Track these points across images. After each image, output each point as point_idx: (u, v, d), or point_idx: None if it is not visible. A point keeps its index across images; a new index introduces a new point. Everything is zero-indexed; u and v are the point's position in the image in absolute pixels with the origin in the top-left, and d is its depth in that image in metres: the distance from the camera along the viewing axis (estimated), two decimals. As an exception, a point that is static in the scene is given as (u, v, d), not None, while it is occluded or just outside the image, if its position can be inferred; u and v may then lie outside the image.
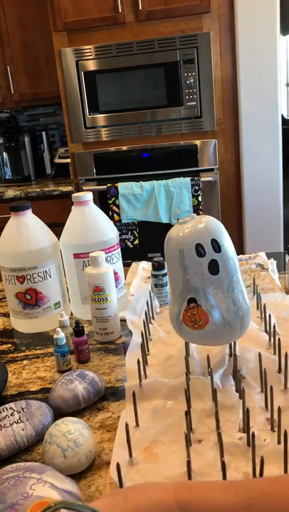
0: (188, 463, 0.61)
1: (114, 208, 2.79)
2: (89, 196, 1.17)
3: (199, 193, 2.71)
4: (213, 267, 0.80)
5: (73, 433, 0.70)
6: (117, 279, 1.18)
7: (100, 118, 2.76)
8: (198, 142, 2.72)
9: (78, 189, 2.89)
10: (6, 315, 1.29)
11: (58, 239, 1.19)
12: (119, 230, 2.80)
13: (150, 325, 1.10)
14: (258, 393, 0.82)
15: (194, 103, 2.66)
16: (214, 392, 0.78)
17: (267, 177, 2.77)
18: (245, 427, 0.72)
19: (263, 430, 0.73)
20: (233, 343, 0.91)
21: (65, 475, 0.66)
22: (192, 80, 2.62)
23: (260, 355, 0.85)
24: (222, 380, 0.85)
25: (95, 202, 1.20)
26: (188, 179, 2.69)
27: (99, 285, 1.05)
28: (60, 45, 2.68)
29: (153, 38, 2.59)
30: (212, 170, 2.77)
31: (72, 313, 1.25)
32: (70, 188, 2.93)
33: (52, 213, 2.38)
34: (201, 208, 2.74)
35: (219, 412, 0.74)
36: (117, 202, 2.77)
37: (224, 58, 2.63)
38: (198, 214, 2.52)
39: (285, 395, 0.81)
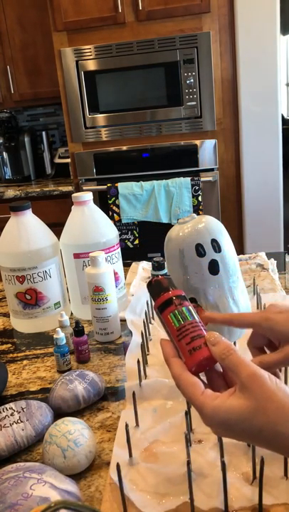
0: (188, 463, 0.61)
1: (114, 208, 2.79)
2: (89, 196, 1.17)
3: (199, 193, 2.71)
4: (213, 267, 0.80)
5: (73, 433, 0.70)
6: (117, 279, 1.18)
7: (100, 118, 2.76)
8: (198, 142, 2.72)
9: (78, 189, 2.89)
10: (6, 315, 1.29)
11: (58, 239, 1.19)
12: (119, 230, 2.80)
13: (150, 325, 1.10)
14: (258, 393, 0.82)
15: (194, 103, 2.66)
16: (214, 392, 0.78)
17: (267, 177, 2.77)
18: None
19: (263, 430, 0.73)
20: (233, 343, 0.90)
21: (65, 475, 0.66)
22: (192, 80, 2.62)
23: (260, 355, 0.85)
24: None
25: (95, 202, 1.20)
26: (188, 179, 2.69)
27: (99, 285, 1.05)
28: (60, 45, 2.68)
29: (153, 37, 2.59)
30: (212, 170, 2.77)
31: (72, 313, 1.25)
32: (70, 188, 2.93)
33: (52, 213, 2.37)
34: (201, 208, 2.74)
35: (219, 412, 0.74)
36: (117, 202, 2.77)
37: (224, 58, 2.63)
38: (198, 214, 2.52)
39: (285, 395, 0.81)
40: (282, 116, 2.95)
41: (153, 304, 0.60)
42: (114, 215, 2.80)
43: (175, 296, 0.58)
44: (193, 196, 2.71)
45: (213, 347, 0.53)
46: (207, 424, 0.50)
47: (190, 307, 0.57)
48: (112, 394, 0.90)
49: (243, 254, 1.48)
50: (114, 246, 1.17)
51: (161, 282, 0.59)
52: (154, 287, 0.59)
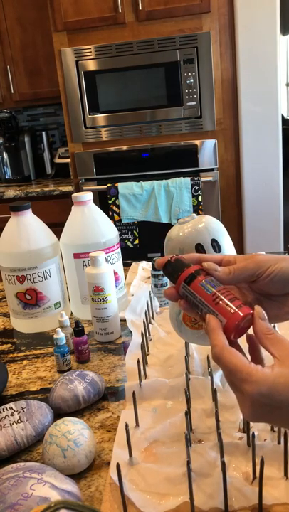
0: (188, 463, 0.61)
1: (114, 208, 2.79)
2: (89, 196, 1.17)
3: (199, 193, 2.71)
4: (213, 267, 0.80)
5: (73, 433, 0.70)
6: (117, 279, 1.18)
7: (100, 118, 2.76)
8: (198, 142, 2.72)
9: (78, 189, 2.89)
10: (6, 315, 1.29)
11: (58, 239, 1.19)
12: (119, 230, 2.80)
13: (150, 325, 1.10)
14: (258, 393, 0.82)
15: (194, 103, 2.66)
16: (214, 392, 0.78)
17: (267, 177, 2.77)
18: (245, 427, 0.72)
19: (263, 430, 0.73)
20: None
21: (65, 475, 0.66)
22: (192, 80, 2.62)
23: (260, 355, 0.85)
24: (222, 380, 0.85)
25: (95, 202, 1.20)
26: (188, 179, 2.69)
27: (99, 285, 1.05)
28: (60, 45, 2.68)
29: (153, 38, 2.59)
30: (212, 170, 2.77)
31: (72, 313, 1.25)
32: (70, 188, 2.93)
33: (52, 213, 2.37)
34: (201, 208, 2.74)
35: (219, 412, 0.74)
36: (117, 202, 2.77)
37: (224, 58, 2.63)
38: (198, 214, 2.52)
39: (285, 395, 0.81)
40: (282, 116, 2.95)
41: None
42: (114, 215, 2.80)
43: (200, 268, 0.60)
44: (193, 196, 2.72)
45: (261, 321, 0.54)
46: (251, 392, 0.49)
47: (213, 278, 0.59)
48: (112, 394, 0.90)
49: (243, 254, 1.48)
50: (114, 246, 1.17)
51: (181, 259, 0.61)
52: (176, 264, 0.61)
